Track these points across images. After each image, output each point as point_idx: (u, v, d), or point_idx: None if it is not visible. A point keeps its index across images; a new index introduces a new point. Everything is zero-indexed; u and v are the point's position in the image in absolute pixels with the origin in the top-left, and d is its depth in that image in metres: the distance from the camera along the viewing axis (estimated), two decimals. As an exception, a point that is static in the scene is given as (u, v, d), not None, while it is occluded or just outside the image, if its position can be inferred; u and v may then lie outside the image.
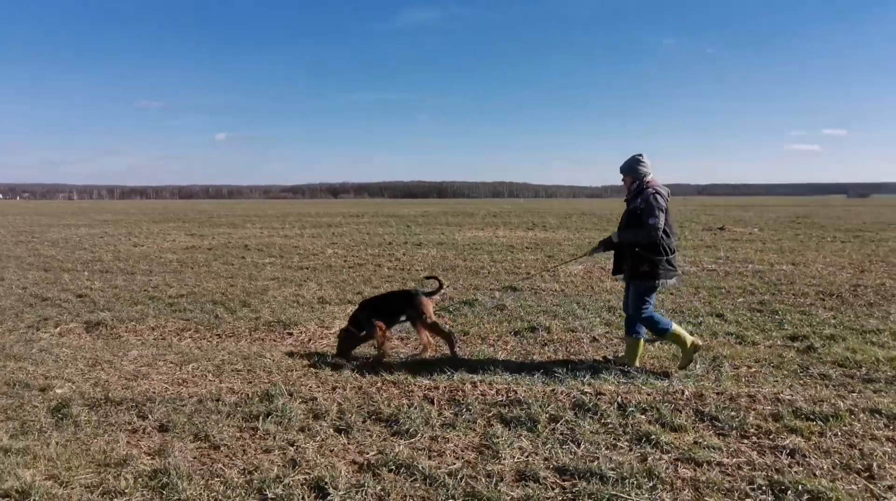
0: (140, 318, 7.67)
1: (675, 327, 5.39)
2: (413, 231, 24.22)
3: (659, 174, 5.43)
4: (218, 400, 4.78)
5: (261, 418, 4.42)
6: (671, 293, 9.11)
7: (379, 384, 5.13)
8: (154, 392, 4.94)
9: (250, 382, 5.24)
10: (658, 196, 5.12)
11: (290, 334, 7.05)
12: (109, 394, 4.82)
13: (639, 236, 5.14)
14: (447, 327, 6.46)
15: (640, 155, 5.35)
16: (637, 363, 5.45)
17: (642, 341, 5.50)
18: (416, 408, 4.59)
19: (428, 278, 6.74)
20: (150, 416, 4.48)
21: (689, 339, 5.34)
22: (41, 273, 11.79)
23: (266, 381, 5.24)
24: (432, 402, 4.75)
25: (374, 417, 4.49)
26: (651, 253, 5.13)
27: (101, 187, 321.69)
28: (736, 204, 74.43)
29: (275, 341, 6.78)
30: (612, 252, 5.61)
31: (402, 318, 5.97)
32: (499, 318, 7.61)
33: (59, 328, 7.26)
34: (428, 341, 5.92)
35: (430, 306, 5.91)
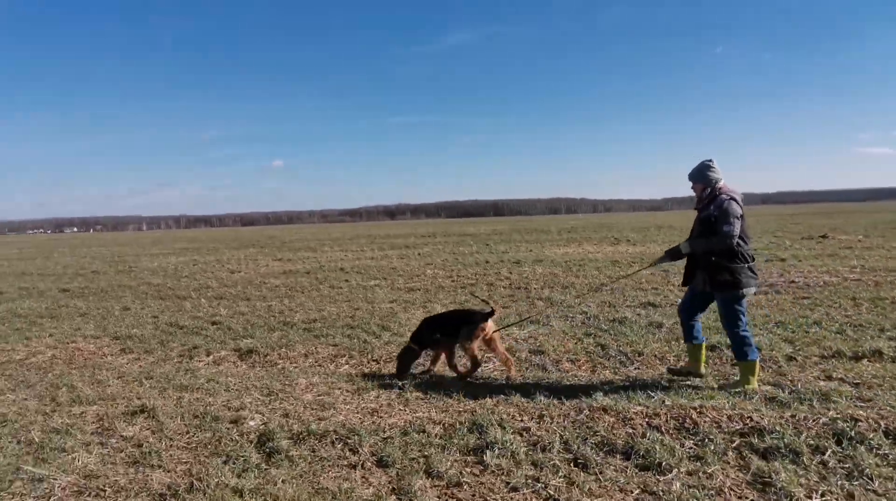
0: (288, 344, 7.49)
1: (704, 348, 5.41)
2: (495, 249, 23.81)
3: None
4: (423, 431, 4.45)
5: (483, 451, 4.05)
6: (842, 307, 8.36)
7: (587, 411, 4.69)
8: (351, 424, 4.65)
9: (444, 410, 4.90)
10: (734, 202, 4.90)
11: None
12: (311, 427, 4.54)
13: (712, 245, 4.92)
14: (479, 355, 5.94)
15: (710, 160, 5.13)
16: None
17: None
18: (648, 438, 4.13)
19: (483, 300, 6.63)
20: (360, 449, 4.19)
21: (701, 367, 5.42)
22: (161, 302, 11.93)
23: (462, 409, 4.88)
24: (659, 430, 4.28)
25: (606, 449, 4.06)
26: (730, 261, 4.89)
27: (168, 218, 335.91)
28: (811, 212, 70.95)
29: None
30: (683, 261, 5.41)
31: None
32: (665, 335, 7.08)
33: (211, 357, 7.15)
34: (506, 357, 5.85)
35: (485, 327, 5.74)
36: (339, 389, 5.61)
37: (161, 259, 25.38)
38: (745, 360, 5.01)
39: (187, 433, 4.63)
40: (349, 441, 4.33)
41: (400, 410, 4.97)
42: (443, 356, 6.03)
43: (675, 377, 5.49)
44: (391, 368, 6.28)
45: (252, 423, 4.75)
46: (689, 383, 5.32)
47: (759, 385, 5.03)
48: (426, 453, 4.09)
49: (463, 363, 6.11)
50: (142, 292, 13.70)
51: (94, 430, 4.76)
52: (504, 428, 4.41)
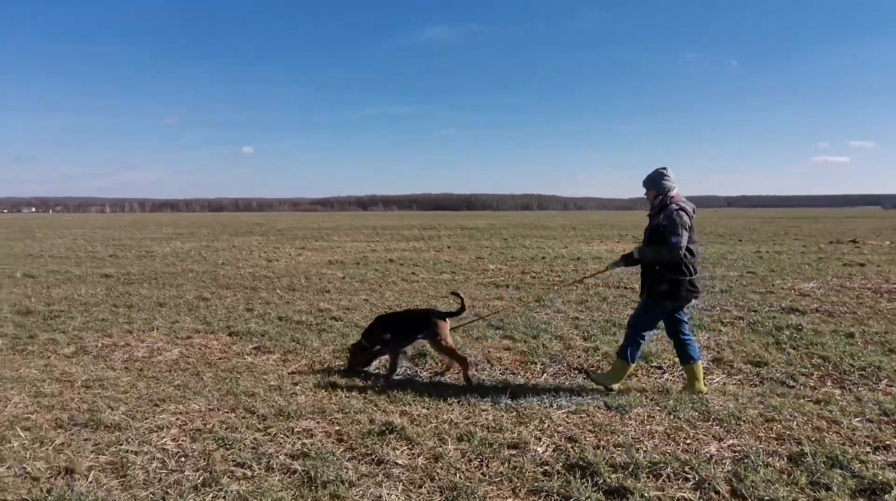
0: (470, 345, 6.65)
1: (699, 365, 5.10)
2: (522, 243, 23.22)
3: (686, 187, 5.09)
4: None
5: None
6: None
7: None
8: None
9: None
10: (682, 213, 4.83)
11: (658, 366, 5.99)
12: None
13: (661, 255, 4.84)
14: (462, 351, 5.98)
15: (665, 169, 5.05)
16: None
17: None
18: None
19: (456, 294, 6.19)
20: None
21: (701, 385, 5.07)
22: (229, 291, 10.94)
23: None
24: None
25: None
26: (673, 273, 4.83)
27: (133, 200, 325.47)
28: (791, 216, 72.08)
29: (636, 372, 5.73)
30: (635, 268, 5.31)
31: (420, 336, 5.68)
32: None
33: (379, 361, 6.28)
34: (448, 363, 5.72)
35: (446, 328, 5.60)
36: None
37: (167, 244, 24.00)
38: (622, 359, 5.12)
39: (469, 459, 3.82)
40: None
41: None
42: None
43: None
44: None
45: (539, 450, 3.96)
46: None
47: (619, 386, 5.10)
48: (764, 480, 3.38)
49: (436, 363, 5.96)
50: (192, 279, 12.63)
51: (354, 456, 3.91)
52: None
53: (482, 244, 23.25)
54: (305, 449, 3.99)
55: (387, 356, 5.88)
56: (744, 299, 9.50)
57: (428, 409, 4.74)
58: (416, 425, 4.37)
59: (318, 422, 4.48)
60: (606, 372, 5.33)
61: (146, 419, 4.57)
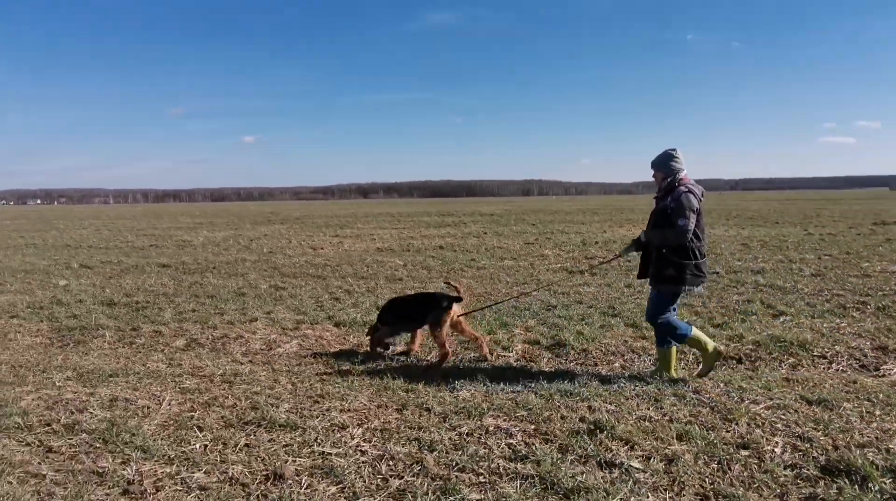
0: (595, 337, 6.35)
1: (696, 331, 5.00)
2: (549, 229, 22.85)
3: (690, 169, 4.96)
4: None
5: None
6: None
7: None
8: None
9: None
10: (690, 195, 4.69)
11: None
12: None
13: (668, 238, 4.72)
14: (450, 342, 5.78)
15: (674, 150, 4.88)
16: (675, 374, 4.99)
17: (674, 349, 5.00)
18: None
19: (453, 285, 5.97)
20: None
21: (711, 344, 4.98)
22: (299, 280, 10.62)
23: None
24: None
25: None
26: (679, 257, 4.72)
27: (136, 191, 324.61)
28: (806, 199, 71.42)
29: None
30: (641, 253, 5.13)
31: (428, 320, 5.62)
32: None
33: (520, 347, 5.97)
34: (475, 336, 5.77)
35: (450, 313, 5.56)
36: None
37: (197, 234, 23.66)
38: (663, 347, 4.98)
39: (705, 462, 3.51)
40: None
41: None
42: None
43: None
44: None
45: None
46: None
47: (676, 373, 4.97)
48: None
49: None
50: (252, 268, 12.31)
51: (579, 458, 3.60)
52: None
53: (515, 230, 22.91)
54: (519, 451, 3.68)
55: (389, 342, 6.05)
56: (846, 282, 9.16)
57: (611, 404, 4.42)
58: (621, 423, 4.05)
59: (505, 420, 4.17)
60: (658, 366, 5.14)
61: (317, 417, 4.27)
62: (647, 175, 5.05)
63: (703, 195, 4.85)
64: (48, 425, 4.17)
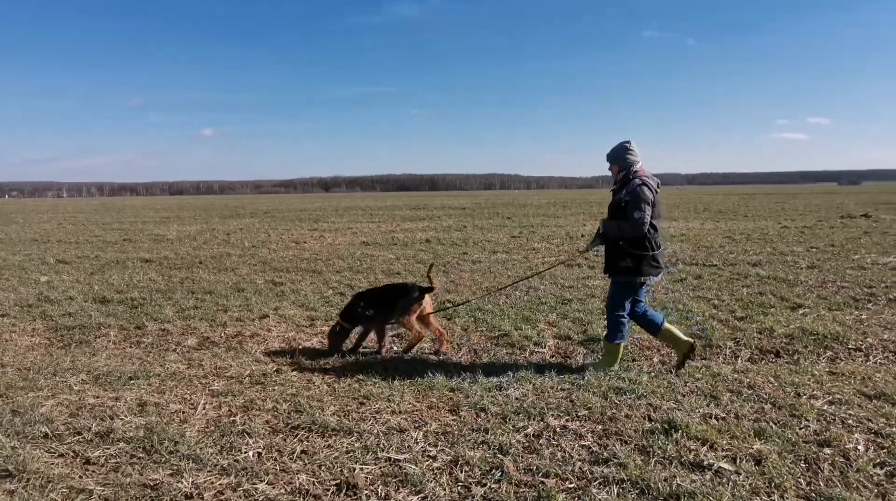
0: None
1: (667, 325, 5.02)
2: (526, 222, 22.84)
3: (649, 164, 4.98)
4: None
5: None
6: None
7: None
8: None
9: None
10: (645, 188, 4.72)
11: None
12: None
13: (624, 230, 4.76)
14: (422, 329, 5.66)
15: (628, 142, 4.95)
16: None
17: (622, 345, 5.03)
18: None
19: (429, 276, 5.83)
20: None
21: (685, 338, 4.96)
22: (293, 274, 10.27)
23: None
24: None
25: None
26: (635, 248, 4.75)
27: (91, 184, 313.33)
28: (766, 192, 73.27)
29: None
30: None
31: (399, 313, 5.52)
32: None
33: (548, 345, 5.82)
34: (440, 332, 5.64)
35: (422, 302, 5.52)
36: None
37: (168, 228, 22.91)
38: (612, 342, 4.97)
39: (793, 461, 3.40)
40: None
41: None
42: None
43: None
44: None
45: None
46: None
47: (618, 368, 4.96)
48: None
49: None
50: (240, 263, 11.87)
51: (663, 459, 3.45)
52: None
53: (494, 223, 22.82)
54: (599, 453, 3.51)
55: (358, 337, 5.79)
56: (845, 275, 9.28)
57: (670, 401, 4.30)
58: (692, 421, 3.92)
59: (569, 420, 4.00)
60: (601, 359, 5.15)
61: (368, 420, 4.03)
62: (607, 169, 5.05)
63: (658, 187, 4.88)
64: (78, 433, 3.83)
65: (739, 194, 70.01)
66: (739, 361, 5.34)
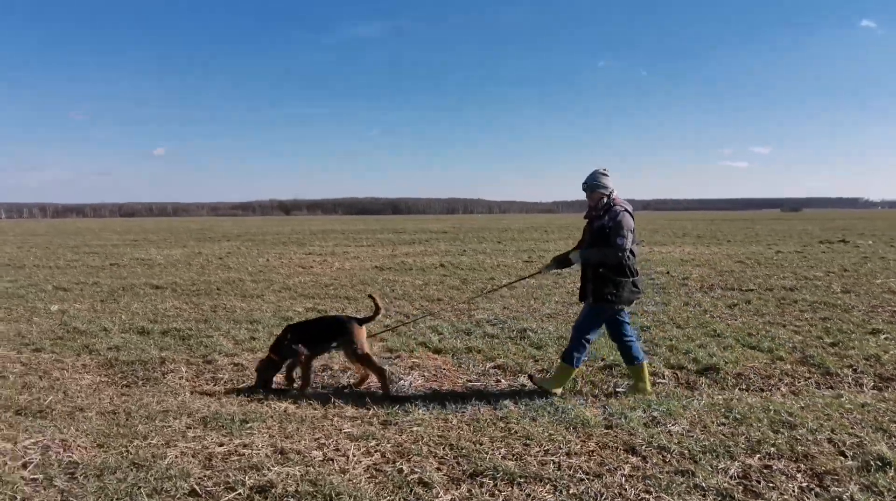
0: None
1: (646, 364, 5.07)
2: (520, 246, 22.76)
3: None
4: None
5: None
6: None
7: None
8: None
9: None
10: (627, 214, 4.81)
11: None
12: None
13: (608, 256, 4.78)
14: (380, 360, 5.59)
15: (604, 169, 5.00)
16: (650, 388, 5.04)
17: (576, 371, 5.07)
18: None
19: (371, 297, 5.61)
20: None
21: (649, 388, 5.02)
22: (329, 301, 9.81)
23: None
24: None
25: None
26: (617, 274, 4.79)
27: (32, 205, 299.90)
28: (721, 219, 75.54)
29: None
30: (570, 269, 5.40)
31: (333, 345, 5.29)
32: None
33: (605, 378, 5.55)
34: (363, 374, 5.33)
35: (362, 334, 5.23)
36: None
37: (144, 251, 21.95)
38: (569, 363, 4.97)
39: None
40: None
41: None
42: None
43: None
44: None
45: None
46: None
47: (560, 391, 4.98)
48: None
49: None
50: (261, 289, 11.29)
51: None
52: None
53: (492, 248, 22.57)
54: (824, 496, 3.24)
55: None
56: (885, 299, 9.34)
57: (844, 435, 4.06)
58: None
59: (762, 459, 3.72)
60: (550, 376, 5.16)
61: (546, 464, 3.67)
62: (567, 195, 5.22)
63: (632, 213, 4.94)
64: (232, 489, 3.35)
65: (701, 218, 71.97)
66: (865, 389, 5.18)
